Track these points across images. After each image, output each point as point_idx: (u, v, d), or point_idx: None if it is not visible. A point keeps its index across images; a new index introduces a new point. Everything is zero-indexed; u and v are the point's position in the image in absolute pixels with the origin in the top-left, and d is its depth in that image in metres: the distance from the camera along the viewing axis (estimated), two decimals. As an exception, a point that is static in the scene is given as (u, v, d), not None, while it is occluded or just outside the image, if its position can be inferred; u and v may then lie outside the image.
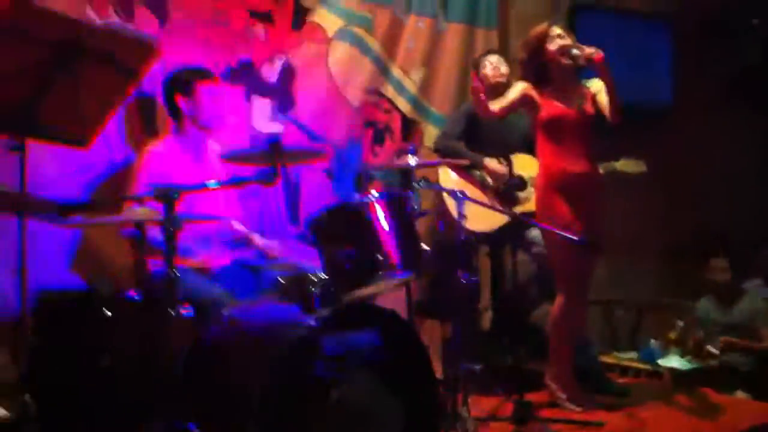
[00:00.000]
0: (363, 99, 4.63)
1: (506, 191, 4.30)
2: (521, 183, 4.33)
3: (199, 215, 3.18)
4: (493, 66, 4.48)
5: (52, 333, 2.84)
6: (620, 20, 5.65)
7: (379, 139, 4.70)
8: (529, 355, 4.20)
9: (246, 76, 4.21)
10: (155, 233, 2.92)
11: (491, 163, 4.31)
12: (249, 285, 3.49)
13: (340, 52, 4.55)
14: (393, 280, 3.21)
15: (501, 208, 4.19)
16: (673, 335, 4.86)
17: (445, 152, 4.40)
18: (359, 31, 4.61)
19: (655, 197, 5.65)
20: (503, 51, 4.93)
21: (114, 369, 2.75)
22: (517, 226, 4.16)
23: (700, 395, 4.14)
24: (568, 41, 3.74)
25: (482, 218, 4.09)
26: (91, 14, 3.71)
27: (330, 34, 4.52)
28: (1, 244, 2.92)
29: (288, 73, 4.36)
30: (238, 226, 3.78)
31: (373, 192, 3.18)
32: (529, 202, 4.21)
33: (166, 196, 2.76)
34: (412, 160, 3.57)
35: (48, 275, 3.31)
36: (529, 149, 4.35)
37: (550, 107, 3.76)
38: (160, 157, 3.52)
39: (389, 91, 4.74)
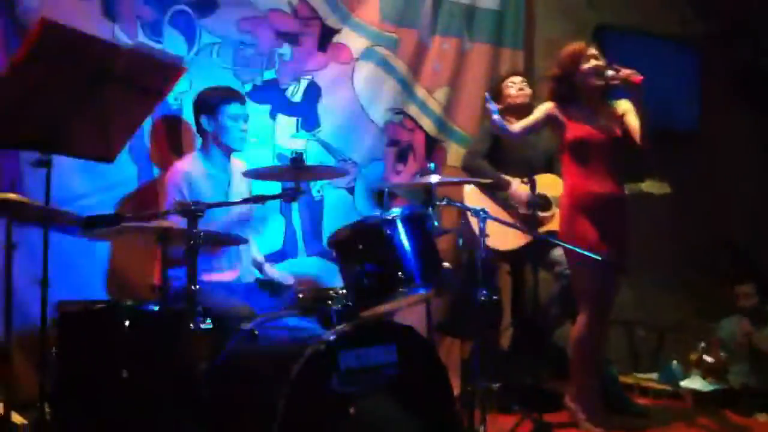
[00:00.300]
0: (387, 118, 4.68)
1: (530, 211, 4.30)
2: (545, 203, 4.33)
3: (220, 234, 3.23)
4: (517, 87, 4.49)
5: (73, 344, 2.90)
6: (646, 42, 5.61)
7: (402, 157, 4.73)
8: (549, 375, 4.18)
9: (271, 94, 4.28)
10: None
11: (515, 186, 4.30)
12: (269, 300, 3.54)
13: (365, 72, 4.60)
14: (412, 296, 3.23)
15: (524, 227, 4.19)
16: (694, 356, 4.81)
17: (472, 171, 4.42)
18: (384, 51, 4.66)
19: (682, 219, 5.62)
20: (528, 72, 4.96)
21: (133, 381, 2.79)
22: (540, 245, 4.16)
23: (720, 417, 4.10)
24: (601, 62, 3.74)
25: (505, 237, 4.11)
26: (120, 35, 3.81)
27: (355, 54, 4.57)
28: (25, 255, 2.98)
29: (313, 92, 4.42)
30: (256, 253, 3.85)
31: (394, 209, 3.19)
32: (552, 221, 4.21)
33: (189, 211, 2.82)
34: (433, 178, 3.59)
35: (70, 287, 3.38)
36: (551, 168, 4.37)
37: (577, 127, 3.75)
38: (186, 173, 3.59)
39: (413, 110, 4.78)
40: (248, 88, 4.17)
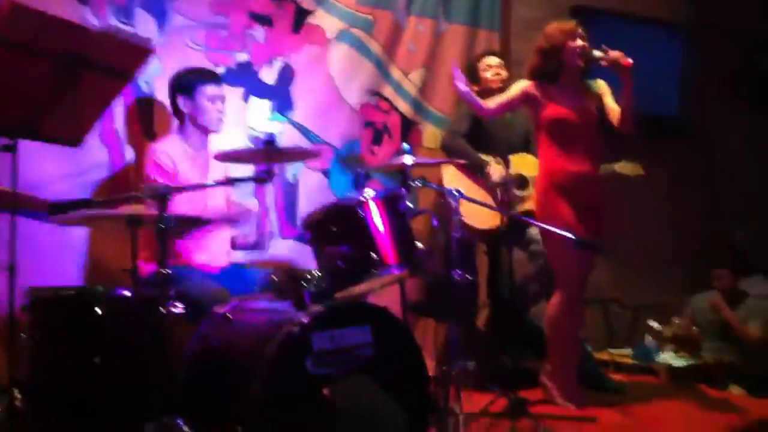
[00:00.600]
0: (362, 100, 4.66)
1: (505, 190, 4.31)
2: (522, 182, 4.34)
3: (191, 217, 3.22)
4: (494, 70, 4.46)
5: (44, 330, 2.88)
6: (623, 25, 5.57)
7: (377, 139, 4.73)
8: (526, 354, 4.20)
9: (244, 77, 4.26)
10: None
11: (491, 166, 4.30)
12: (243, 283, 3.53)
13: (339, 54, 4.58)
14: (387, 277, 3.23)
15: (500, 208, 4.20)
16: (668, 332, 4.85)
17: (450, 151, 4.42)
18: (359, 33, 4.64)
19: (663, 203, 5.67)
20: (504, 54, 4.94)
21: (105, 367, 2.78)
22: (517, 224, 4.17)
23: (695, 391, 4.14)
24: (586, 44, 3.72)
25: (483, 216, 4.12)
26: (90, 18, 3.77)
27: (330, 36, 4.55)
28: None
29: (287, 74, 4.40)
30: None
31: (368, 190, 3.19)
32: (529, 201, 4.22)
33: (159, 195, 2.81)
34: (408, 159, 3.59)
35: (41, 273, 3.35)
36: (529, 148, 4.38)
37: (555, 107, 3.74)
38: (162, 156, 3.57)
39: (388, 92, 4.77)
40: (221, 70, 4.13)
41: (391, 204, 3.17)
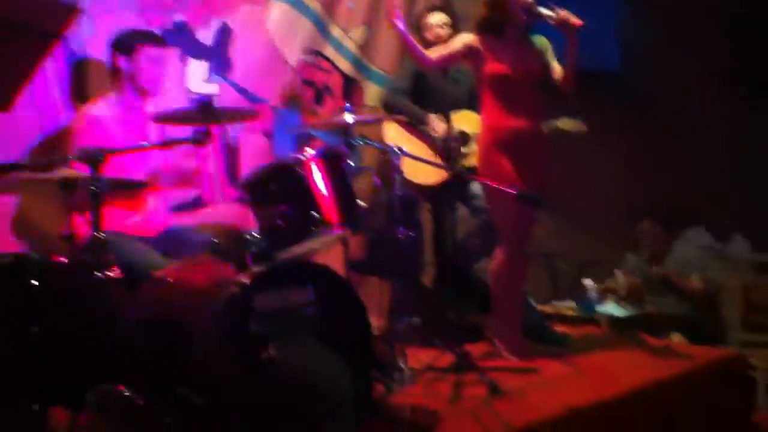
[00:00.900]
0: (302, 59, 4.61)
1: (447, 146, 4.31)
2: (463, 138, 4.34)
3: (123, 179, 3.16)
4: (438, 27, 4.40)
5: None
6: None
7: (318, 98, 4.69)
8: (473, 310, 4.24)
9: (181, 37, 4.18)
10: None
11: (432, 122, 4.30)
12: (183, 247, 3.48)
13: (278, 13, 4.52)
14: (329, 236, 3.22)
15: (442, 163, 4.21)
16: (610, 283, 4.94)
17: (391, 108, 4.39)
18: (298, -10, 4.58)
19: (606, 159, 5.72)
20: (446, 8, 4.89)
21: (43, 336, 2.73)
22: (459, 180, 4.18)
23: (636, 340, 4.23)
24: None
25: (426, 172, 4.12)
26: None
27: (268, -6, 4.48)
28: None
29: (224, 34, 4.33)
30: None
31: (309, 150, 3.15)
32: (471, 157, 4.23)
33: (92, 158, 2.74)
34: (349, 117, 3.57)
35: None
36: (473, 105, 4.37)
37: (497, 62, 3.72)
38: (98, 119, 3.48)
39: (329, 50, 4.73)
40: (157, 31, 4.04)
41: (331, 162, 3.14)
